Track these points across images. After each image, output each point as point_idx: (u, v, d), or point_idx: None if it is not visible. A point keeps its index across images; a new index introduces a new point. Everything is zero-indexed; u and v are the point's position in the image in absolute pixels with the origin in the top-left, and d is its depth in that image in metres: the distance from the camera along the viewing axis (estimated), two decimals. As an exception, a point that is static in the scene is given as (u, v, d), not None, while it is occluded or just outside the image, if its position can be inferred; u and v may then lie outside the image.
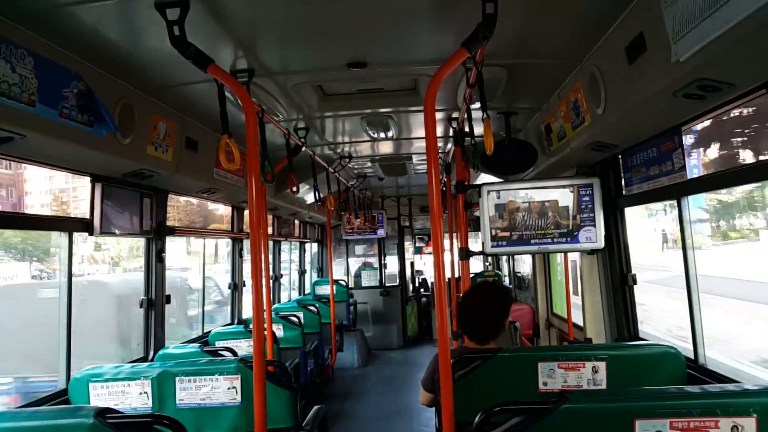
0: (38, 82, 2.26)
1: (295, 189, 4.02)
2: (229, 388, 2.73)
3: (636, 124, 2.84)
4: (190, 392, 2.74)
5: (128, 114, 2.95)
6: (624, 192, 3.69)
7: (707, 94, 2.11)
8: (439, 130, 4.63)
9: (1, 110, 2.10)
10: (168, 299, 4.23)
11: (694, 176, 2.88)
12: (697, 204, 6.00)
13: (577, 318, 4.72)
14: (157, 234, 4.07)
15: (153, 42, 2.43)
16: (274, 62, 2.93)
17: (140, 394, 2.73)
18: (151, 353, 4.05)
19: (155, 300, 4.09)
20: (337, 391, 7.44)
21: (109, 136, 2.79)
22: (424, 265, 14.22)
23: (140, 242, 4.14)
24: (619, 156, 3.64)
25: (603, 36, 2.56)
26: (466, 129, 3.62)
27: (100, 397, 2.72)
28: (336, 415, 6.21)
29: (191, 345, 4.26)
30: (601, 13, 2.34)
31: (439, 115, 4.17)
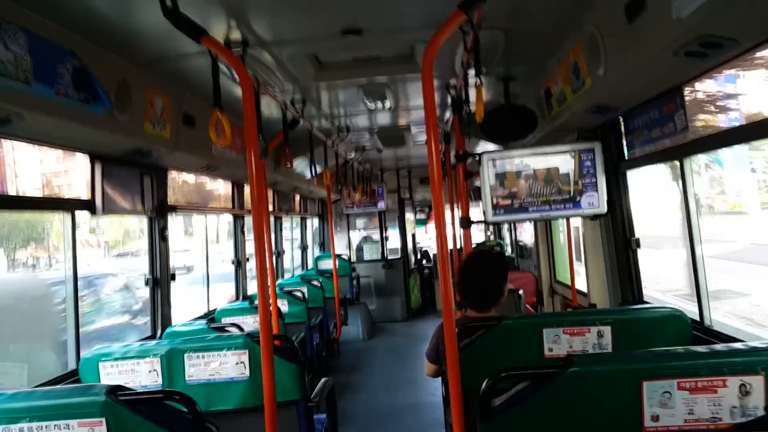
0: (32, 60, 2.21)
1: (289, 165, 3.99)
2: (237, 363, 2.75)
3: (637, 84, 2.80)
4: (199, 368, 2.76)
5: (124, 90, 2.91)
6: (626, 156, 3.66)
7: (709, 51, 2.08)
8: (438, 99, 4.58)
9: None
10: (173, 277, 4.24)
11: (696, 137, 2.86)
12: (741, 162, 5.57)
13: (580, 284, 4.74)
14: (159, 212, 4.07)
15: (145, 14, 2.39)
16: (267, 32, 2.88)
17: (150, 371, 2.75)
18: (159, 331, 4.08)
19: (160, 278, 4.11)
20: (343, 363, 7.53)
21: (106, 114, 2.76)
22: (426, 234, 14.25)
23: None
24: (620, 119, 3.60)
25: None
26: (464, 97, 3.59)
27: (111, 376, 2.74)
28: (343, 387, 6.29)
29: (198, 322, 4.30)
30: None
31: (436, 83, 4.12)
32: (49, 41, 2.33)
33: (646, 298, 3.87)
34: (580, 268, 4.80)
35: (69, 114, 2.51)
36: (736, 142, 2.63)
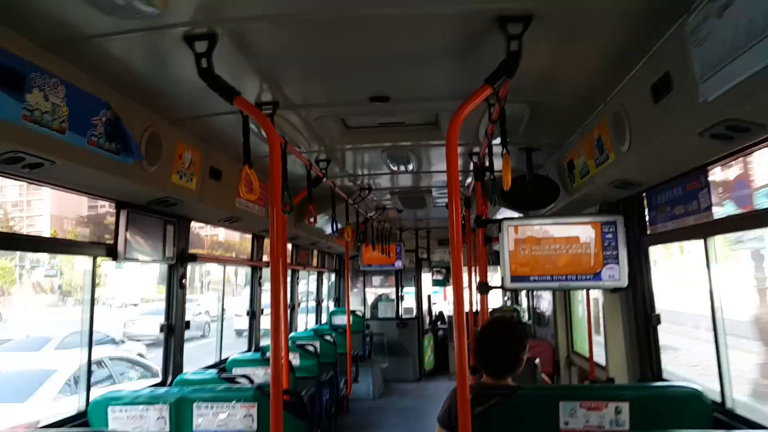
0: (69, 110, 2.31)
1: (312, 220, 4.04)
2: (245, 416, 2.72)
3: (661, 162, 2.82)
4: (207, 418, 2.73)
5: (154, 142, 3.00)
6: (648, 231, 3.63)
7: (735, 135, 2.09)
8: (460, 165, 4.64)
9: (34, 137, 2.15)
10: (187, 325, 4.24)
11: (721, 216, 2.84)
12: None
13: (598, 356, 4.61)
14: (179, 261, 4.11)
15: (180, 73, 2.48)
16: (298, 95, 2.98)
17: (158, 418, 2.73)
18: (170, 378, 4.05)
19: (175, 325, 4.11)
20: (351, 422, 7.32)
21: (135, 164, 2.84)
22: (445, 300, 14.12)
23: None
24: (643, 194, 3.60)
25: (628, 75, 2.56)
26: (487, 164, 3.63)
27: (119, 420, 2.72)
28: (350, 448, 6.09)
29: (209, 371, 4.26)
30: (626, 52, 2.35)
31: (460, 150, 4.19)
32: (86, 93, 2.44)
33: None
34: (598, 339, 4.68)
35: (99, 163, 2.58)
36: (762, 225, 2.60)
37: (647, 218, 3.62)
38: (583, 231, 3.68)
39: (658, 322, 3.74)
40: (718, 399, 2.86)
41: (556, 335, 6.42)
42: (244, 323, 9.77)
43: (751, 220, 2.63)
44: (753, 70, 1.59)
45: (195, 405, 2.73)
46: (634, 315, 3.82)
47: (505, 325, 2.87)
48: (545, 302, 8.25)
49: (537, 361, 4.64)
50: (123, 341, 11.62)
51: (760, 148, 2.33)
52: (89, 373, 3.32)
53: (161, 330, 4.13)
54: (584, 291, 4.59)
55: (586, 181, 3.61)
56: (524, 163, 4.16)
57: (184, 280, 4.19)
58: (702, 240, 2.97)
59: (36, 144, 2.18)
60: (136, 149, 2.75)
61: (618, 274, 3.60)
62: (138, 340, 12.68)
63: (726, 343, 2.95)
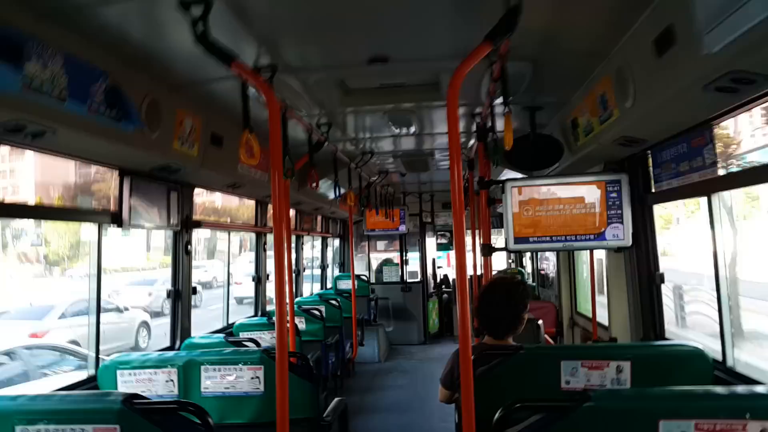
0: (68, 79, 2.31)
1: (315, 185, 4.04)
2: (252, 378, 2.77)
3: (666, 118, 2.78)
4: (215, 381, 2.79)
5: (155, 109, 2.99)
6: (653, 188, 3.62)
7: (741, 87, 2.05)
8: (462, 126, 4.60)
9: (35, 106, 2.16)
10: (194, 290, 4.30)
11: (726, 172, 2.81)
12: None
13: (601, 317, 4.66)
14: (184, 227, 4.14)
15: (177, 39, 2.46)
16: (296, 58, 2.94)
17: (167, 381, 2.79)
18: (178, 342, 4.13)
19: (182, 291, 4.17)
20: (357, 384, 7.48)
21: (136, 131, 2.84)
22: (449, 266, 14.16)
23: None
24: (648, 152, 3.57)
25: (631, 29, 2.51)
26: (490, 124, 3.59)
27: (128, 383, 2.78)
28: (356, 408, 6.23)
29: (216, 335, 4.34)
30: (628, 5, 2.29)
31: (461, 110, 4.14)
32: (84, 61, 2.43)
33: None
34: (602, 300, 4.72)
35: (100, 130, 2.59)
36: (765, 181, 2.58)
37: (652, 176, 3.60)
38: (587, 191, 3.66)
39: (662, 281, 3.76)
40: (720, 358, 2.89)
41: (560, 296, 6.47)
42: (242, 290, 9.79)
43: (754, 175, 2.61)
44: (757, 19, 1.55)
45: (203, 368, 2.78)
46: (637, 274, 3.84)
47: (506, 285, 2.91)
48: (549, 264, 8.29)
49: (540, 322, 4.69)
50: (127, 309, 11.58)
51: (766, 101, 2.30)
52: (98, 338, 3.39)
53: (168, 295, 4.19)
54: (588, 251, 4.59)
55: (591, 139, 3.58)
56: (527, 123, 4.12)
57: (189, 247, 4.22)
58: (706, 197, 2.96)
59: (37, 112, 2.20)
60: (136, 116, 2.75)
61: (622, 234, 3.60)
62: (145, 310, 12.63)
63: (728, 304, 2.96)
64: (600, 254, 4.88)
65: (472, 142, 5.09)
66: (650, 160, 3.60)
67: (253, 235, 6.30)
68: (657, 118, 2.81)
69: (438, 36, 2.70)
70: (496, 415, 1.70)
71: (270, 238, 6.08)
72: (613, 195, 3.62)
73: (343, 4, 2.31)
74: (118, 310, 11.00)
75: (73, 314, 8.94)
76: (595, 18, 2.47)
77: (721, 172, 2.84)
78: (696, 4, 1.86)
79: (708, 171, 2.88)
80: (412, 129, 4.66)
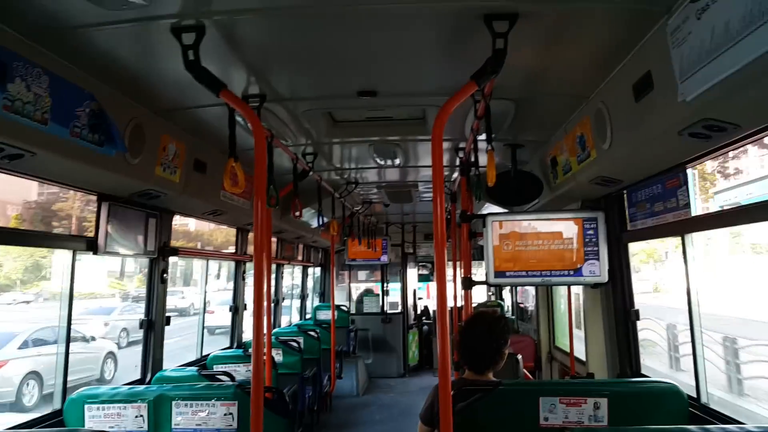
0: (52, 101, 2.28)
1: (298, 213, 4.03)
2: (225, 414, 2.70)
3: (641, 160, 2.86)
4: (187, 417, 2.71)
5: (138, 134, 2.97)
6: (628, 227, 3.69)
7: (713, 134, 2.13)
8: (446, 160, 4.66)
9: (14, 128, 2.12)
10: (168, 321, 4.20)
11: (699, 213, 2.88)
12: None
13: (579, 351, 4.67)
14: (161, 254, 4.07)
15: (166, 64, 2.47)
16: (285, 88, 2.97)
17: (136, 417, 2.70)
18: (149, 375, 4.01)
19: (155, 321, 4.06)
20: (335, 419, 7.33)
21: (118, 156, 2.81)
22: (429, 298, 14.14)
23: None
24: (624, 191, 3.65)
25: (611, 73, 2.60)
26: (473, 159, 3.65)
27: (96, 419, 2.69)
28: (333, 444, 6.11)
29: (189, 368, 4.22)
30: (609, 51, 2.38)
31: (446, 145, 4.21)
32: (70, 84, 2.41)
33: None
34: (579, 334, 4.74)
35: (81, 154, 2.55)
36: (738, 223, 2.65)
37: (627, 215, 3.67)
38: (566, 226, 3.72)
39: (637, 318, 3.80)
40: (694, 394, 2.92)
41: (539, 330, 6.48)
42: (215, 319, 9.56)
43: (727, 217, 2.68)
44: (729, 71, 1.62)
45: (174, 403, 2.71)
46: (613, 311, 3.88)
47: (487, 319, 2.90)
48: (528, 296, 8.32)
49: (519, 356, 4.69)
50: (93, 338, 11.17)
51: (735, 148, 2.39)
52: (66, 370, 3.26)
53: (141, 326, 4.07)
54: (566, 287, 4.63)
55: (569, 177, 3.65)
56: (509, 159, 4.20)
57: (165, 275, 4.15)
58: (680, 237, 3.03)
59: (16, 135, 2.15)
60: (119, 141, 2.72)
61: (598, 270, 3.65)
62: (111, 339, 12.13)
63: (701, 341, 3.01)
64: (577, 289, 4.92)
65: (455, 175, 5.16)
66: (626, 200, 3.68)
67: (230, 261, 6.22)
68: (633, 160, 2.88)
69: (426, 73, 2.75)
70: None
71: (249, 266, 6.01)
72: (590, 232, 3.68)
73: (335, 39, 2.35)
74: (84, 339, 10.65)
75: (37, 343, 8.69)
76: (577, 61, 2.55)
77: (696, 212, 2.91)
78: (673, 53, 1.94)
79: (681, 212, 2.95)
80: (397, 161, 4.71)
